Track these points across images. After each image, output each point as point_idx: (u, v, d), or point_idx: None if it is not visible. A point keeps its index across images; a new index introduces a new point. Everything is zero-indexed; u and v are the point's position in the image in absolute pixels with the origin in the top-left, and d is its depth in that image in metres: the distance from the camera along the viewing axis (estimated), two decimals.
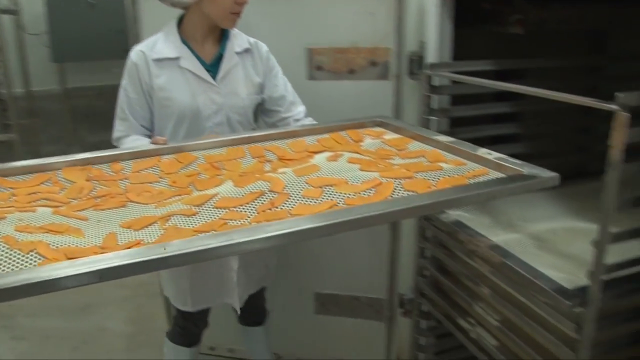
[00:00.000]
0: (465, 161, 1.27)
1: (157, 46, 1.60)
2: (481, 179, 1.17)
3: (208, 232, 0.97)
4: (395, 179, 1.17)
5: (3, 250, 0.90)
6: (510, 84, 1.36)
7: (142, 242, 0.95)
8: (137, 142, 1.59)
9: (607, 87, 1.04)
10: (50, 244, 0.94)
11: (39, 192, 1.17)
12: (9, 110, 3.61)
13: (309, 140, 1.47)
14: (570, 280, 1.26)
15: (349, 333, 2.27)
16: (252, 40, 1.71)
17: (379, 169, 1.24)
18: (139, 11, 1.97)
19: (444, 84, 1.73)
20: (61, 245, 0.94)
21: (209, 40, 1.64)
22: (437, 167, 1.23)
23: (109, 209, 1.11)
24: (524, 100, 1.70)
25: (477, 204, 1.67)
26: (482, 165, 1.23)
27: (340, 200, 1.09)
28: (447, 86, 1.73)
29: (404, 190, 1.12)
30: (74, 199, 1.16)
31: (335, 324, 2.26)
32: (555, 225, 1.58)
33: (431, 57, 1.75)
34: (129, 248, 0.91)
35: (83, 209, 1.11)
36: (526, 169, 1.15)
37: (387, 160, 1.30)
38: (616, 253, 1.19)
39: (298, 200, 1.11)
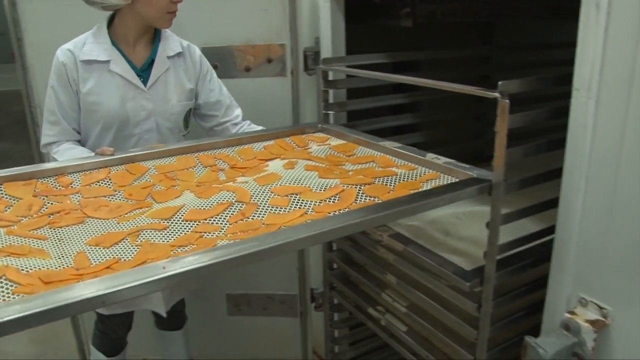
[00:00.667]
0: (415, 166, 1.33)
1: (85, 47, 1.52)
2: (434, 182, 1.22)
3: (185, 246, 0.95)
4: (356, 185, 1.21)
5: None
6: (402, 75, 1.40)
7: (120, 261, 0.91)
8: (74, 151, 1.51)
9: (499, 77, 1.10)
10: (18, 268, 0.86)
11: None
12: None
13: (256, 148, 1.50)
14: (471, 262, 1.31)
15: (264, 331, 2.26)
16: (185, 43, 1.66)
17: (336, 175, 1.28)
18: (18, 13, 1.82)
19: (339, 78, 1.75)
20: (30, 269, 0.87)
21: (141, 42, 1.57)
22: (391, 172, 1.28)
23: (67, 226, 1.05)
24: (421, 91, 1.75)
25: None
26: (432, 170, 1.29)
27: (308, 208, 1.11)
28: (343, 80, 1.75)
29: (366, 196, 1.16)
30: (23, 216, 1.08)
31: (249, 323, 2.24)
32: (458, 210, 1.64)
33: (326, 52, 1.77)
34: (108, 267, 0.87)
35: (38, 227, 1.03)
36: (475, 171, 1.20)
37: (340, 167, 1.34)
38: (512, 233, 1.26)
39: (267, 209, 1.12)
